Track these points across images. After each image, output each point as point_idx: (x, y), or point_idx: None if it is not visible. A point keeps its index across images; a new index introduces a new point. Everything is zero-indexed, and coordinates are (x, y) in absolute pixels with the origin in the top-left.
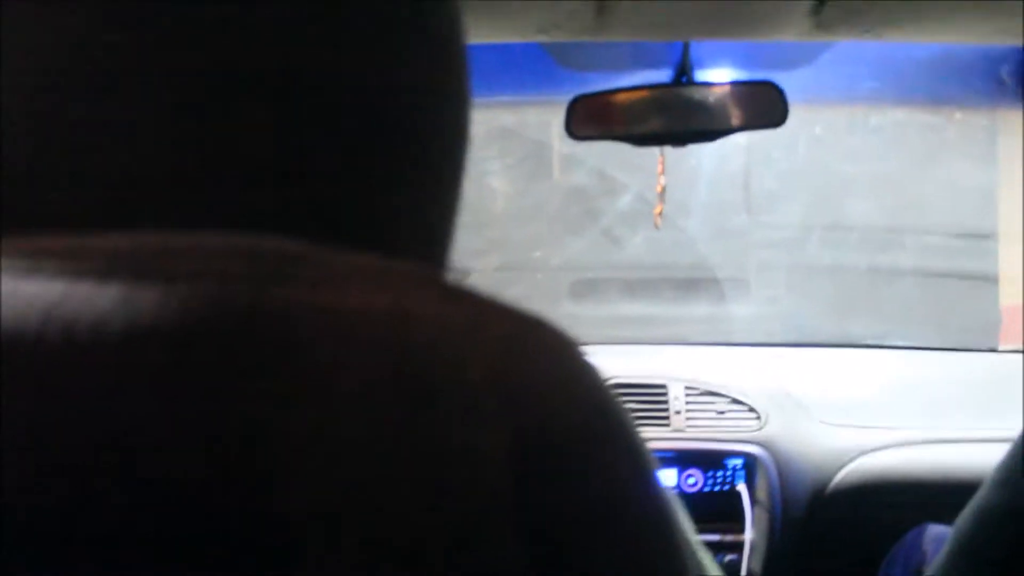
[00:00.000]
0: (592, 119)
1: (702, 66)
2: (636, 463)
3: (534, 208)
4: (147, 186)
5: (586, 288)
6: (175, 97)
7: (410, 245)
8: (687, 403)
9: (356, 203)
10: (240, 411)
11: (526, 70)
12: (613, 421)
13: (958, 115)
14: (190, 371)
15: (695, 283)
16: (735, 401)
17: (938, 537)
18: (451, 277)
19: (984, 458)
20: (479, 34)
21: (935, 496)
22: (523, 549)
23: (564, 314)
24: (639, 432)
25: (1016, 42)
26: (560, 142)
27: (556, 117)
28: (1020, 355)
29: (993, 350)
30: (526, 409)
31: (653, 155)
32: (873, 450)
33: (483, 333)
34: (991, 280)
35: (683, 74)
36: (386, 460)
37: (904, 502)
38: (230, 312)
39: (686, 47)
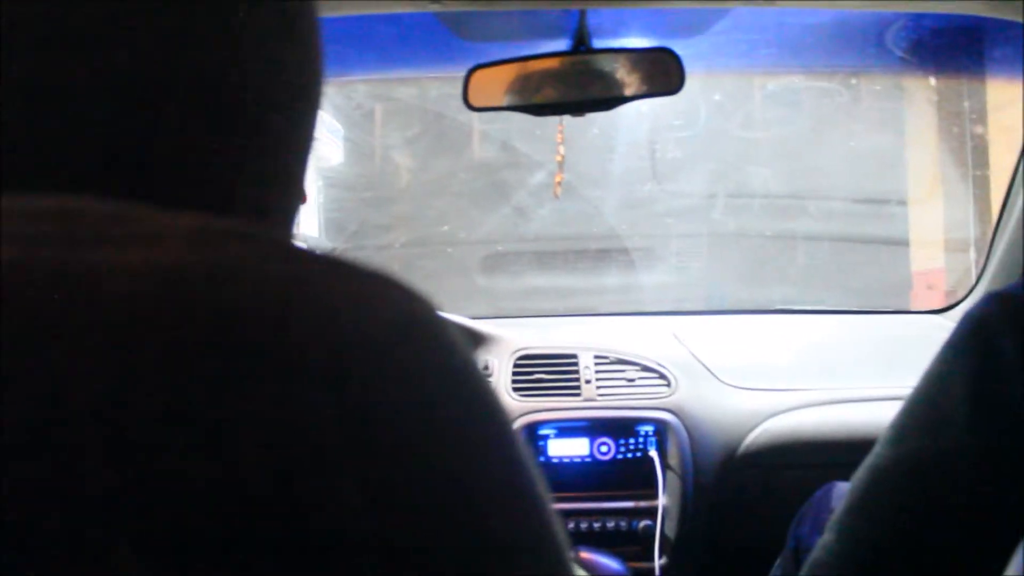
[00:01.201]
0: (490, 90)
1: (600, 35)
2: (478, 417)
3: (440, 182)
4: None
5: (496, 261)
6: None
7: (247, 206)
8: (597, 372)
9: (187, 163)
10: (45, 370)
11: (424, 43)
12: (454, 380)
13: (854, 80)
14: None
15: (604, 254)
16: (645, 368)
17: (845, 494)
18: (287, 234)
19: (889, 416)
20: (370, 5)
21: (843, 454)
22: (356, 492)
23: (476, 288)
24: (493, 397)
25: (904, 8)
26: (462, 115)
27: (457, 89)
28: (927, 315)
29: (903, 311)
30: (358, 370)
31: (555, 126)
32: (782, 412)
33: (306, 289)
34: (898, 244)
35: (580, 43)
36: (201, 418)
37: (813, 462)
38: (36, 275)
39: (582, 15)
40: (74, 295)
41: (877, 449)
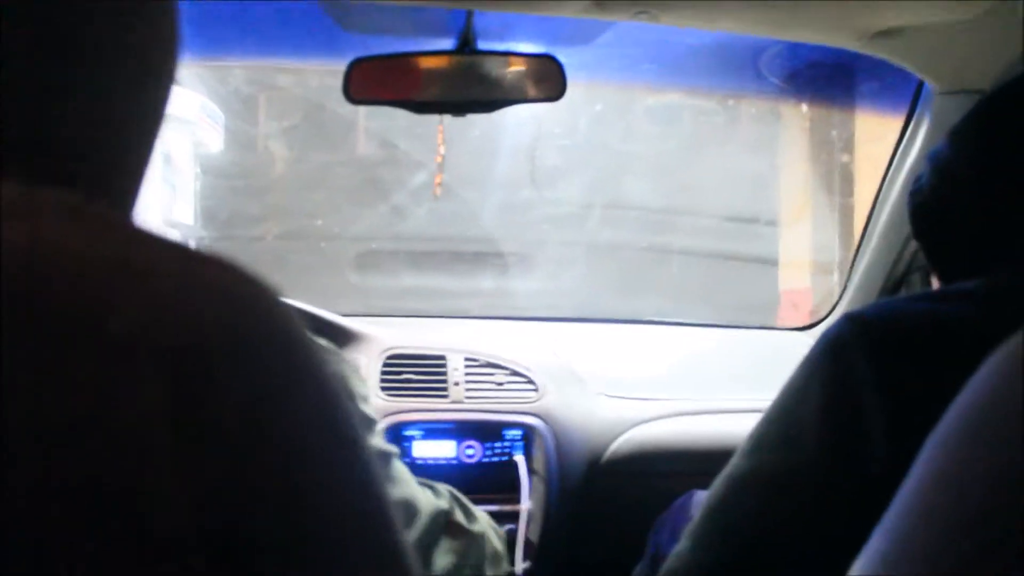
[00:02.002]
0: (371, 83)
1: (486, 37)
2: (317, 410)
3: (317, 175)
4: None
5: (371, 259)
6: None
7: (86, 181)
8: (466, 374)
9: (24, 129)
10: None
11: (306, 32)
12: (288, 364)
13: (731, 102)
14: None
15: (480, 256)
16: (514, 373)
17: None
18: (128, 211)
19: (749, 428)
20: None
21: (704, 464)
22: (186, 486)
23: (348, 285)
24: (324, 375)
25: (776, 35)
26: (344, 108)
27: (338, 81)
28: (790, 332)
29: (769, 327)
30: (187, 354)
31: (436, 126)
32: (647, 420)
33: (135, 272)
34: (766, 263)
35: (466, 44)
36: (19, 406)
37: (676, 470)
38: None
39: (469, 16)
40: None
41: (734, 460)
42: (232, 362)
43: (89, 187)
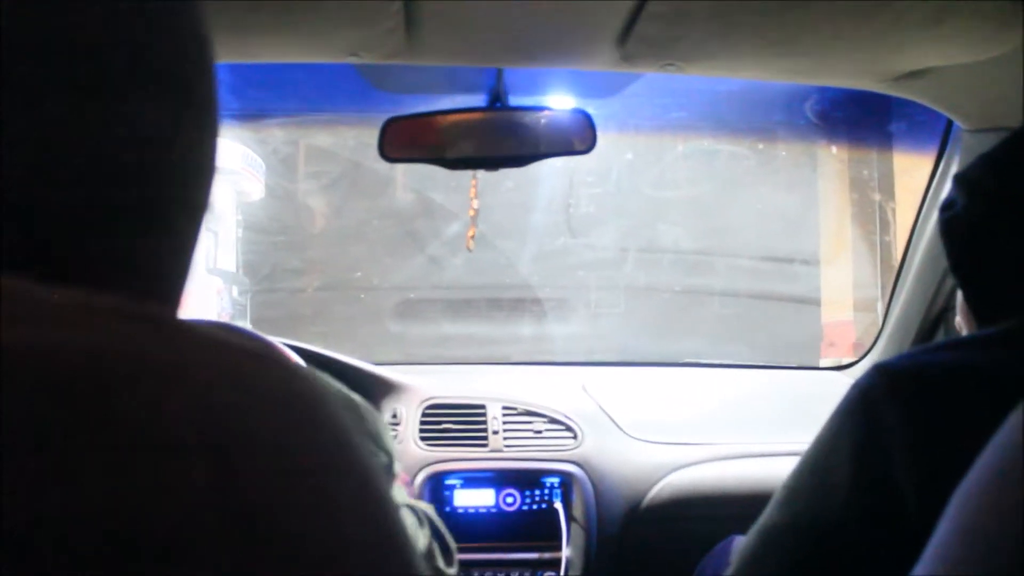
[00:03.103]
0: (405, 141)
1: (517, 92)
2: (361, 507)
3: (354, 229)
4: None
5: (409, 308)
6: None
7: (135, 280)
8: (505, 423)
9: (78, 237)
10: None
11: (343, 90)
12: (334, 462)
13: (762, 146)
14: None
15: (517, 303)
16: (552, 420)
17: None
18: (172, 311)
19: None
20: (288, 55)
21: (744, 508)
22: (232, 566)
23: (387, 334)
24: (372, 474)
25: (803, 81)
26: (379, 163)
27: (374, 138)
28: (830, 371)
29: (805, 367)
30: (232, 447)
31: (469, 178)
32: (686, 465)
33: (185, 369)
34: (805, 301)
35: (496, 99)
36: (82, 500)
37: (715, 515)
38: None
39: (500, 73)
40: None
41: (768, 510)
42: (271, 447)
43: (142, 286)
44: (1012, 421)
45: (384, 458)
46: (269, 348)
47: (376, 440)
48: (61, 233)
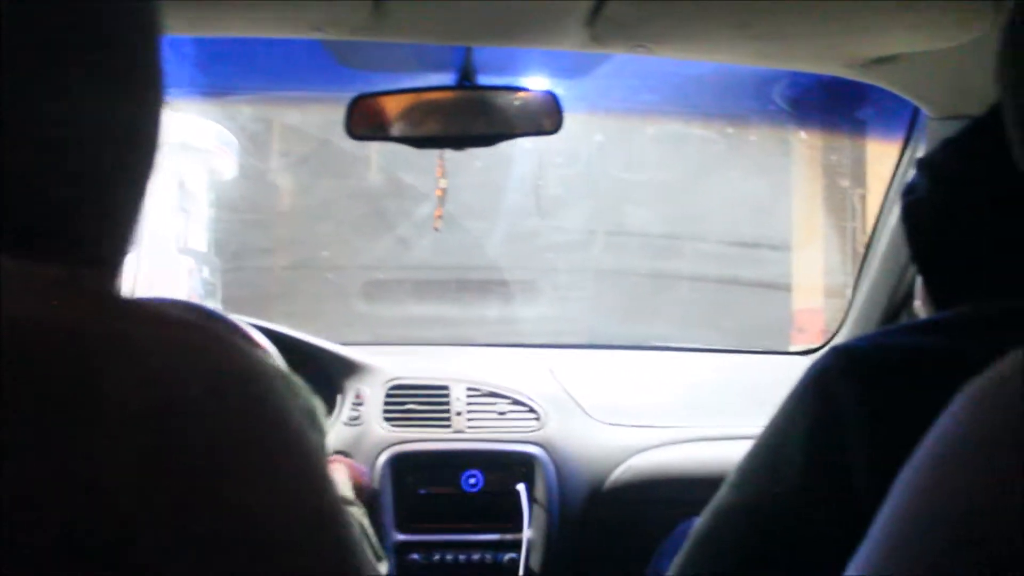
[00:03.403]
0: (372, 119)
1: (486, 71)
2: (295, 475)
3: (322, 207)
4: None
5: (376, 288)
6: None
7: (75, 247)
8: (468, 404)
9: (15, 203)
10: None
11: (309, 67)
12: (270, 430)
13: (731, 130)
14: None
15: (485, 285)
16: (516, 402)
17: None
18: (113, 281)
19: None
20: (252, 29)
21: (708, 491)
22: (165, 534)
23: (355, 314)
24: (307, 443)
25: (770, 65)
26: (347, 142)
27: (341, 116)
28: (796, 356)
29: (771, 352)
30: (168, 419)
31: (437, 158)
32: (649, 448)
33: (123, 341)
34: (774, 287)
35: (465, 78)
36: (24, 468)
37: (677, 497)
38: None
39: (468, 52)
40: None
41: (721, 491)
42: (212, 424)
43: (85, 258)
44: (953, 406)
45: (318, 436)
46: (210, 322)
47: (311, 417)
48: (12, 206)
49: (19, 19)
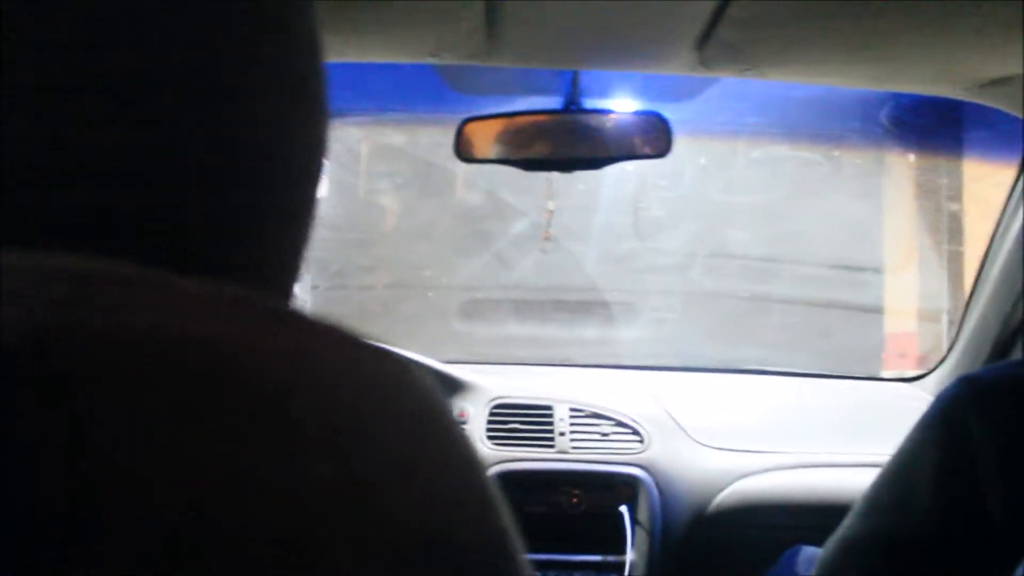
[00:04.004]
0: (480, 142)
1: (592, 95)
2: (469, 495)
3: (424, 227)
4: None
5: (476, 308)
6: (21, 103)
7: (251, 272)
8: (571, 425)
9: (198, 230)
10: (37, 437)
11: (418, 90)
12: (445, 453)
13: (837, 152)
14: None
15: (583, 306)
16: (619, 424)
17: (811, 558)
18: (287, 303)
19: (857, 482)
20: (370, 55)
21: (810, 518)
22: (354, 559)
23: (454, 333)
24: (478, 464)
25: (883, 88)
26: (451, 163)
27: (447, 137)
28: (897, 383)
29: (872, 378)
30: (350, 435)
31: (544, 179)
32: (751, 473)
33: (306, 359)
34: (871, 310)
35: (572, 102)
36: (198, 489)
37: (780, 524)
38: (45, 337)
39: (575, 76)
40: (82, 360)
41: (848, 521)
42: (389, 439)
43: (259, 279)
44: None
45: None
46: (376, 341)
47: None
48: (192, 228)
49: (197, 48)
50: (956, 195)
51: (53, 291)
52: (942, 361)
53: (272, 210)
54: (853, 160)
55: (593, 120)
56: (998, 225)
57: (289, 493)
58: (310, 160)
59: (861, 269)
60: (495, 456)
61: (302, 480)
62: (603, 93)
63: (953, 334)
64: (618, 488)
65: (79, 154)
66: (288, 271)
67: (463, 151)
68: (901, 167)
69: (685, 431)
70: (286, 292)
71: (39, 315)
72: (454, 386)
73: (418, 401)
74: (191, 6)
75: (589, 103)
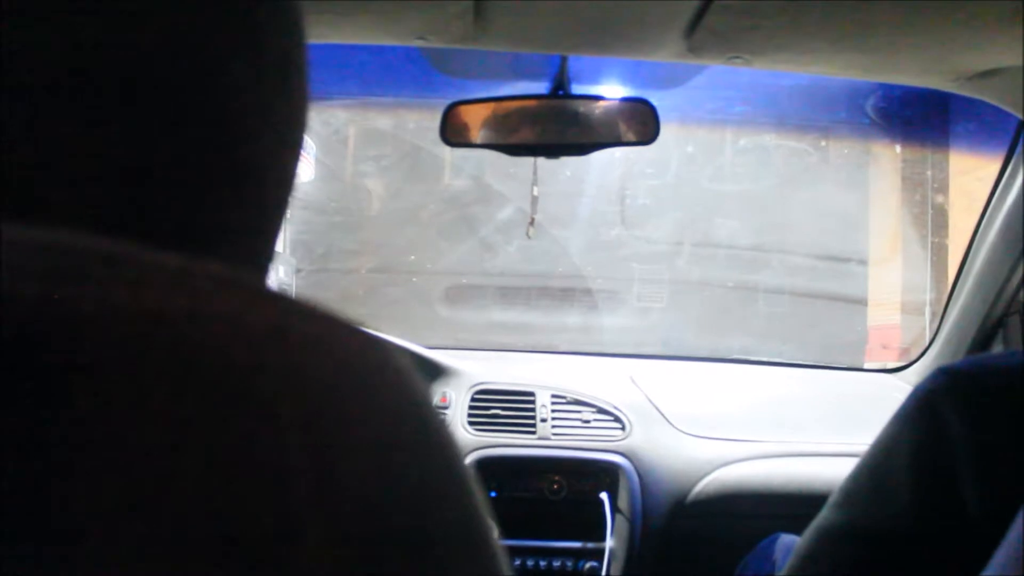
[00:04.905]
0: (467, 126)
1: (580, 81)
2: (441, 475)
3: (410, 212)
4: None
5: (460, 293)
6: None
7: (227, 248)
8: (553, 411)
9: (175, 203)
10: (17, 415)
11: (405, 73)
12: (418, 429)
13: (824, 143)
14: None
15: (568, 293)
16: (601, 411)
17: (789, 546)
18: (263, 278)
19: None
20: (356, 36)
21: (789, 507)
22: (320, 533)
23: (438, 318)
24: (448, 440)
25: (871, 78)
26: (438, 148)
27: (433, 121)
28: (880, 374)
29: (856, 368)
30: (325, 415)
31: (530, 165)
32: (732, 462)
33: (283, 337)
34: (856, 301)
35: (560, 87)
36: (172, 464)
37: (759, 512)
38: (14, 311)
39: (564, 61)
40: (54, 332)
41: (824, 512)
42: (360, 416)
43: (235, 256)
44: None
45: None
46: (350, 318)
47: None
48: (160, 200)
49: (184, 23)
50: (942, 188)
51: (35, 263)
52: (924, 352)
53: (248, 184)
54: (841, 150)
55: (580, 106)
56: (981, 218)
57: (261, 473)
58: (290, 137)
59: (847, 260)
60: (476, 442)
61: (275, 460)
62: (591, 79)
63: (935, 327)
64: (599, 475)
65: (67, 129)
66: (263, 248)
67: (449, 135)
68: (888, 158)
69: (667, 419)
70: (262, 268)
71: (17, 288)
72: (436, 371)
73: (396, 384)
74: None
75: (577, 88)
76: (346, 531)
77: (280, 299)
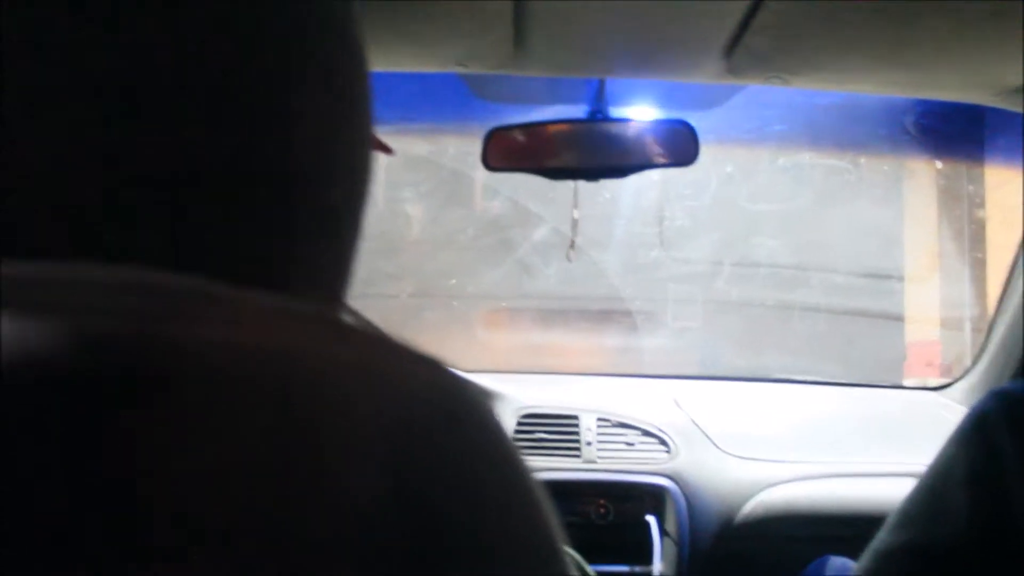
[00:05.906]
0: (507, 151)
1: (618, 103)
2: (522, 505)
3: (449, 236)
4: (47, 214)
5: (500, 317)
6: (76, 121)
7: (307, 283)
8: (598, 434)
9: (254, 241)
10: (118, 448)
11: (443, 99)
12: (499, 464)
13: (862, 159)
14: (70, 408)
15: (608, 314)
16: (646, 433)
17: (838, 568)
18: (347, 315)
19: (884, 492)
20: (398, 63)
21: (837, 529)
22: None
23: (478, 341)
24: (528, 473)
25: (911, 94)
26: (476, 172)
27: (472, 147)
28: (923, 392)
29: (898, 386)
30: (410, 448)
31: (568, 188)
32: (778, 483)
33: (371, 372)
34: (894, 318)
35: (598, 110)
36: (265, 497)
37: (807, 534)
38: (115, 348)
39: (602, 84)
40: (155, 370)
41: (881, 534)
42: (447, 455)
43: (314, 292)
44: None
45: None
46: (428, 354)
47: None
48: (246, 238)
49: (247, 54)
50: (980, 202)
51: (127, 303)
52: (968, 371)
53: (324, 227)
54: (879, 167)
55: (619, 129)
56: None
57: (348, 502)
58: (357, 167)
59: (886, 277)
60: None
61: (364, 492)
62: (629, 101)
63: (976, 342)
64: (645, 498)
65: (134, 182)
66: (340, 282)
67: (490, 160)
68: (926, 173)
69: (711, 440)
70: (338, 299)
71: (114, 327)
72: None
73: (475, 417)
74: (243, 10)
75: (614, 112)
76: (429, 560)
77: (367, 335)
